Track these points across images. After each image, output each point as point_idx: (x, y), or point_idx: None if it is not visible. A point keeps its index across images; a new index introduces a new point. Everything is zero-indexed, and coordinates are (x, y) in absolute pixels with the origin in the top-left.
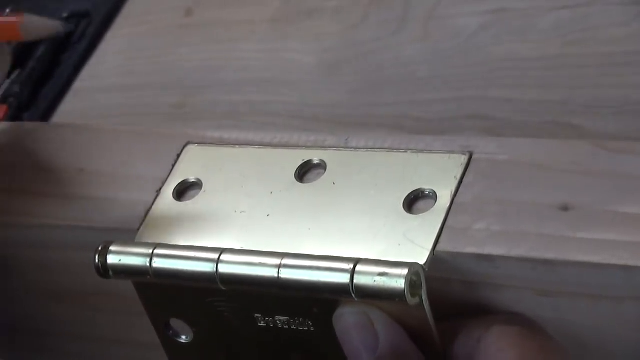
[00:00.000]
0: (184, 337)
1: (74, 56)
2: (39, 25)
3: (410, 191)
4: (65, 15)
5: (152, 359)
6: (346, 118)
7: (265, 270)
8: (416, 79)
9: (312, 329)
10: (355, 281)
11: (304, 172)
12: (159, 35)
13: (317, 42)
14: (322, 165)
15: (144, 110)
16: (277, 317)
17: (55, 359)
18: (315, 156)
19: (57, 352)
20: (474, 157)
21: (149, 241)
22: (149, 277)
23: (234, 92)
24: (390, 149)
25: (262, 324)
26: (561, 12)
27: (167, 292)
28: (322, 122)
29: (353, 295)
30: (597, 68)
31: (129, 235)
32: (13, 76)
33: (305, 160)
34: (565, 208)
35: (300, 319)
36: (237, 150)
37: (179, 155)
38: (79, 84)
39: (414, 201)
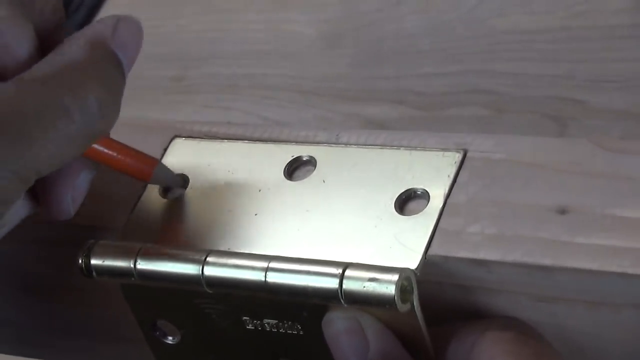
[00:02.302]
0: (170, 338)
1: (72, 25)
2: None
3: (402, 191)
4: None
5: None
6: (346, 92)
7: (252, 273)
8: (418, 51)
9: (301, 332)
10: (344, 286)
11: (293, 168)
12: (157, 4)
13: (317, 13)
14: (312, 162)
15: (143, 83)
16: (266, 320)
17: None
18: (305, 152)
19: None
20: (468, 154)
21: (134, 239)
22: (133, 278)
23: (233, 64)
24: (383, 146)
25: (250, 326)
26: None
27: (153, 293)
28: (322, 96)
29: (342, 301)
30: (602, 41)
31: (113, 233)
32: None
33: (294, 157)
34: (562, 211)
35: (289, 323)
36: (225, 145)
37: (165, 149)
38: None
39: (406, 201)
